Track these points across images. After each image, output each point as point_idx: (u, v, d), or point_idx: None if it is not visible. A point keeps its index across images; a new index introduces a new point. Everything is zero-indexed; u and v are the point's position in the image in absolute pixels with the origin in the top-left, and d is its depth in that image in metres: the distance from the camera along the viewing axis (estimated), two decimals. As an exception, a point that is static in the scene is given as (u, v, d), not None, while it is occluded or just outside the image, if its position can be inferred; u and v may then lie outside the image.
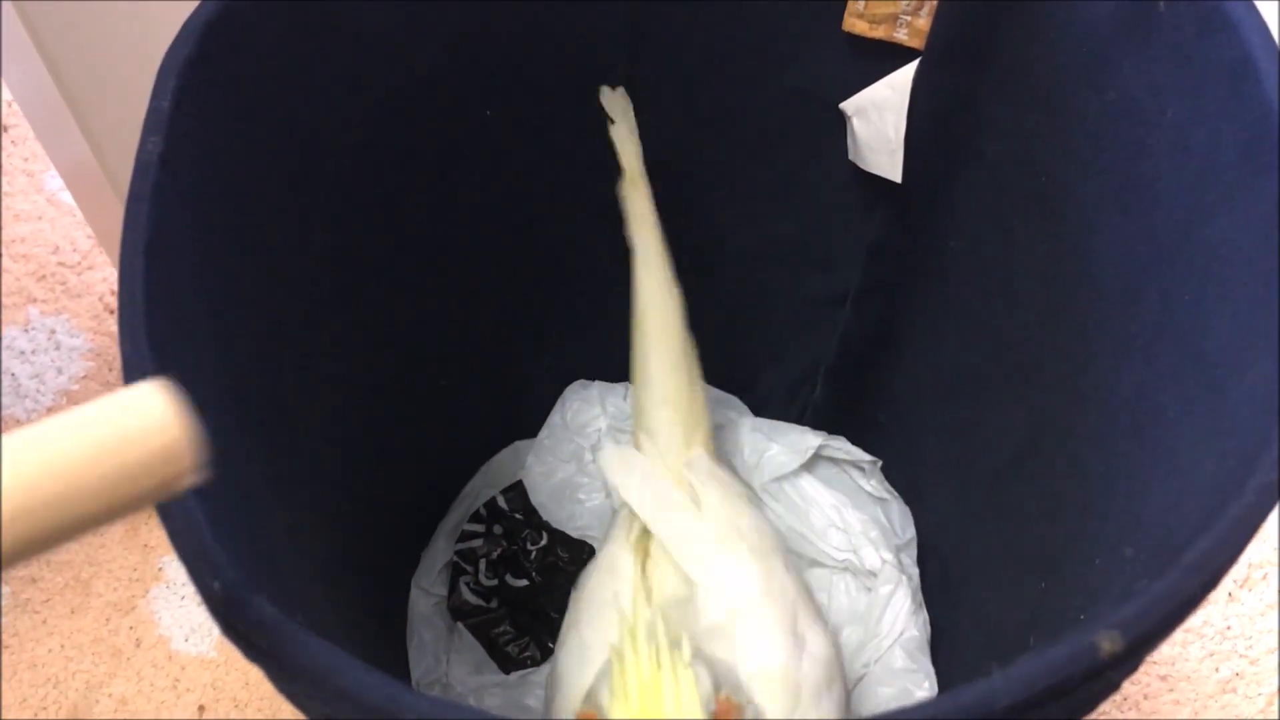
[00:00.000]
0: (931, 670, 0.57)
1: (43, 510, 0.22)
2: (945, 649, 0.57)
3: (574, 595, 0.51)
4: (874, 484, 0.62)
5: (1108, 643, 0.26)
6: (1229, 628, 0.66)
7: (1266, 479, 0.28)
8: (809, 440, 0.62)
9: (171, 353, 0.31)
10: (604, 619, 0.46)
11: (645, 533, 0.49)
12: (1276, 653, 0.65)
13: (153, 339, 0.30)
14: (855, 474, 0.63)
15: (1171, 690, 0.64)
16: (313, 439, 0.47)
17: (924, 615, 0.59)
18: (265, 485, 0.39)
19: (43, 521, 0.23)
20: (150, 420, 0.23)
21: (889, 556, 0.58)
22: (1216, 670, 0.65)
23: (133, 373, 0.29)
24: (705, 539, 0.47)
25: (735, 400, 0.67)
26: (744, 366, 0.65)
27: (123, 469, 0.23)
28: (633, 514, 0.49)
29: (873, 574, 0.58)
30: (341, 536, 0.50)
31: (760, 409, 0.66)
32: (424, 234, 0.52)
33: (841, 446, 0.63)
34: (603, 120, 0.54)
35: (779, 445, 0.62)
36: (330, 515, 0.48)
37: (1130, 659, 0.27)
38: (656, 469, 0.50)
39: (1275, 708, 0.64)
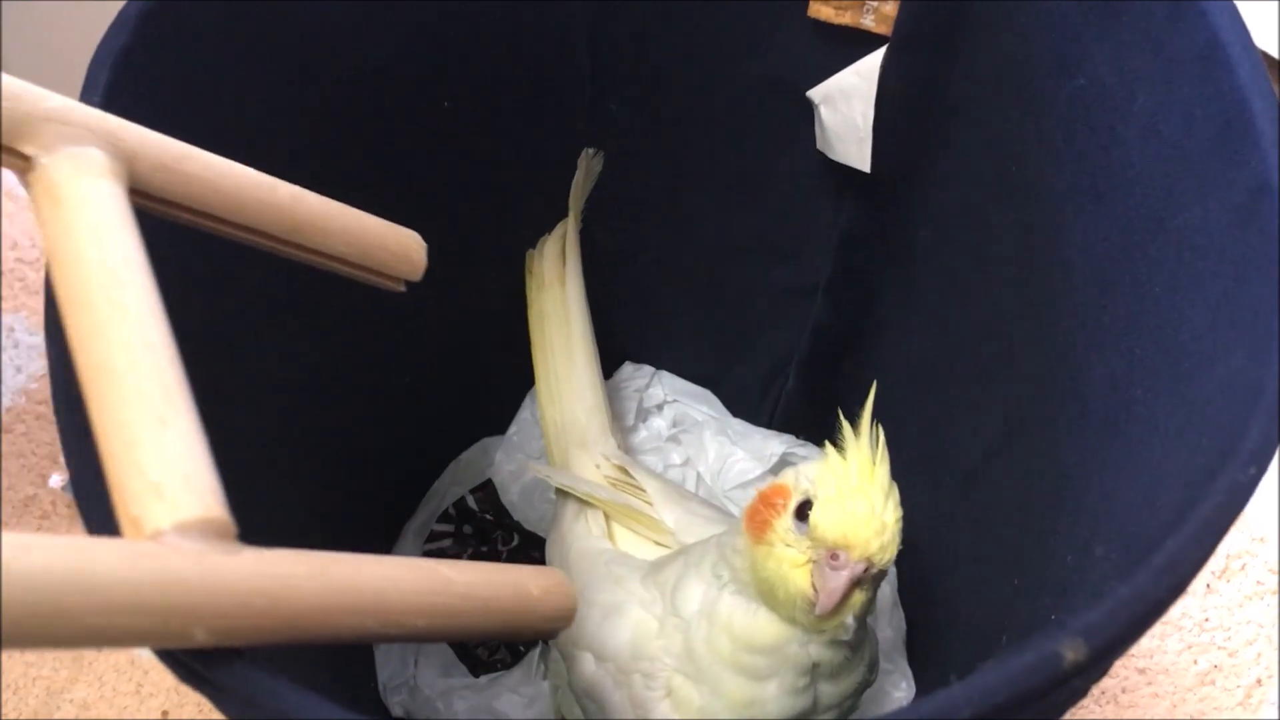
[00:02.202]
0: (908, 670, 0.56)
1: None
2: (921, 647, 0.57)
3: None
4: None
5: (1071, 651, 0.25)
6: (1207, 619, 0.65)
7: (1237, 477, 0.27)
8: (773, 446, 0.61)
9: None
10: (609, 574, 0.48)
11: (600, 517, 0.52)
12: (1255, 644, 0.64)
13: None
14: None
15: (1150, 683, 0.64)
16: (268, 438, 0.46)
17: (900, 613, 0.58)
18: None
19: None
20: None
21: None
22: (1195, 663, 0.64)
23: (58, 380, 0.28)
24: (671, 496, 0.52)
25: (708, 394, 0.66)
26: (715, 360, 0.64)
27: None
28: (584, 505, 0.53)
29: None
30: (301, 537, 0.49)
31: (732, 402, 0.66)
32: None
33: (808, 454, 0.62)
34: (566, 112, 0.53)
35: (743, 451, 0.62)
36: (288, 515, 0.47)
37: (1095, 667, 0.26)
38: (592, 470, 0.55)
39: (1254, 700, 0.63)
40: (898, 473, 0.60)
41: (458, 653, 0.58)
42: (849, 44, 0.47)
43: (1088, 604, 0.30)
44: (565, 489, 0.53)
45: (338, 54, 0.43)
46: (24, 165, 0.27)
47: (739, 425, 0.64)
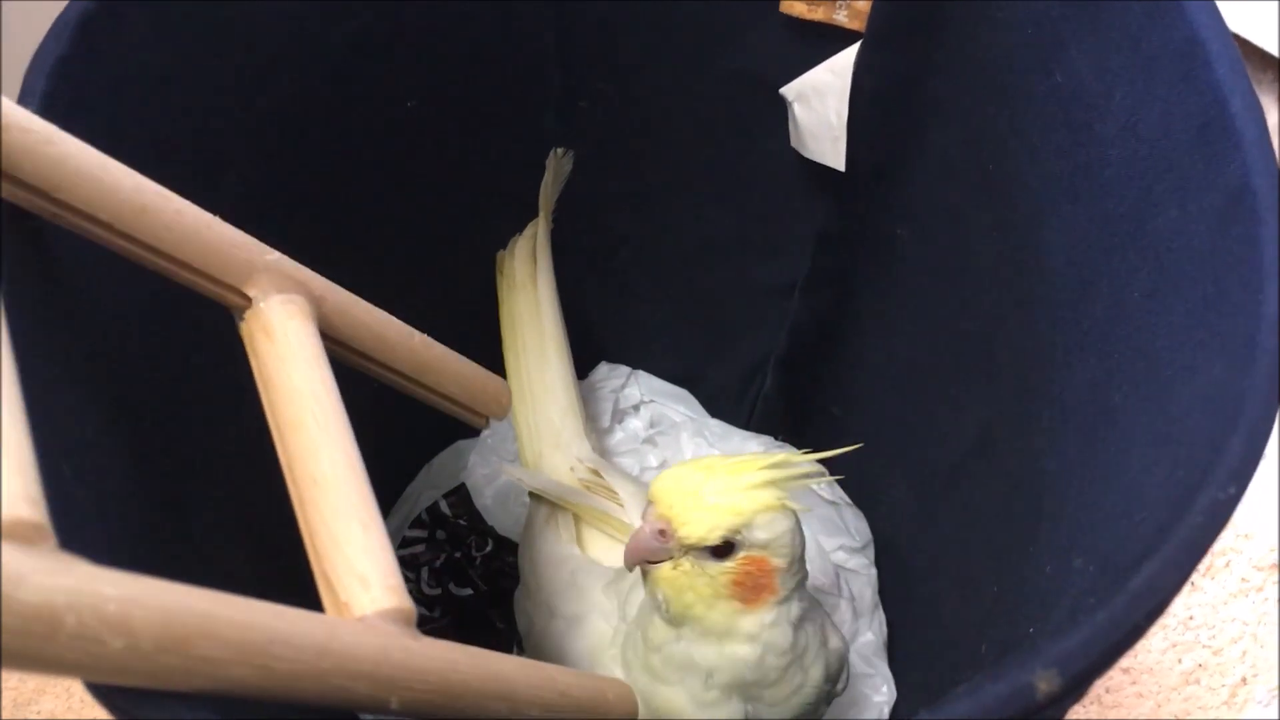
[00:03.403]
0: (889, 674, 0.55)
1: None
2: (902, 651, 0.56)
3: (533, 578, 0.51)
4: (825, 488, 0.60)
5: (1044, 683, 0.24)
6: (1191, 617, 0.64)
7: (1217, 496, 0.26)
8: (751, 448, 0.61)
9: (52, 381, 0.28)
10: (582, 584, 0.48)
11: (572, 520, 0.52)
12: (1240, 642, 0.64)
13: (33, 350, 0.27)
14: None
15: (1134, 682, 0.63)
16: (232, 438, 0.45)
17: (881, 615, 0.57)
18: (173, 490, 0.37)
19: None
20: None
21: (828, 575, 0.56)
22: (1179, 661, 0.63)
23: None
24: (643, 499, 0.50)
25: (686, 394, 0.65)
26: (692, 360, 0.63)
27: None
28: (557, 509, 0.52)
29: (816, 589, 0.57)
30: (268, 544, 0.48)
31: (711, 402, 0.65)
32: (347, 232, 0.50)
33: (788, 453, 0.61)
34: (535, 109, 0.52)
35: (720, 452, 0.61)
36: (254, 521, 0.46)
37: (1069, 697, 0.25)
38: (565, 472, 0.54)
39: (1239, 699, 0.62)
40: (877, 472, 0.59)
41: None
42: (822, 40, 0.46)
43: (1063, 625, 0.29)
44: (537, 492, 0.52)
45: (291, 54, 0.42)
46: (244, 304, 0.33)
47: (717, 426, 0.64)
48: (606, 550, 0.50)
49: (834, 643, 0.44)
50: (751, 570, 0.38)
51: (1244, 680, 0.63)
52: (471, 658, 0.31)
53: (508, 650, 0.57)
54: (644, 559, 0.39)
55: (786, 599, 0.40)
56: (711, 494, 0.38)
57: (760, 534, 0.38)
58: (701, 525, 0.38)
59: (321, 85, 0.44)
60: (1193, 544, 0.26)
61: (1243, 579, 0.65)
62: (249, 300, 0.33)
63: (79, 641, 0.21)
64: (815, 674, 0.42)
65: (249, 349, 0.33)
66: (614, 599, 0.45)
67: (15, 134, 0.27)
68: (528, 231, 0.57)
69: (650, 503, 0.39)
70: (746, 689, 0.41)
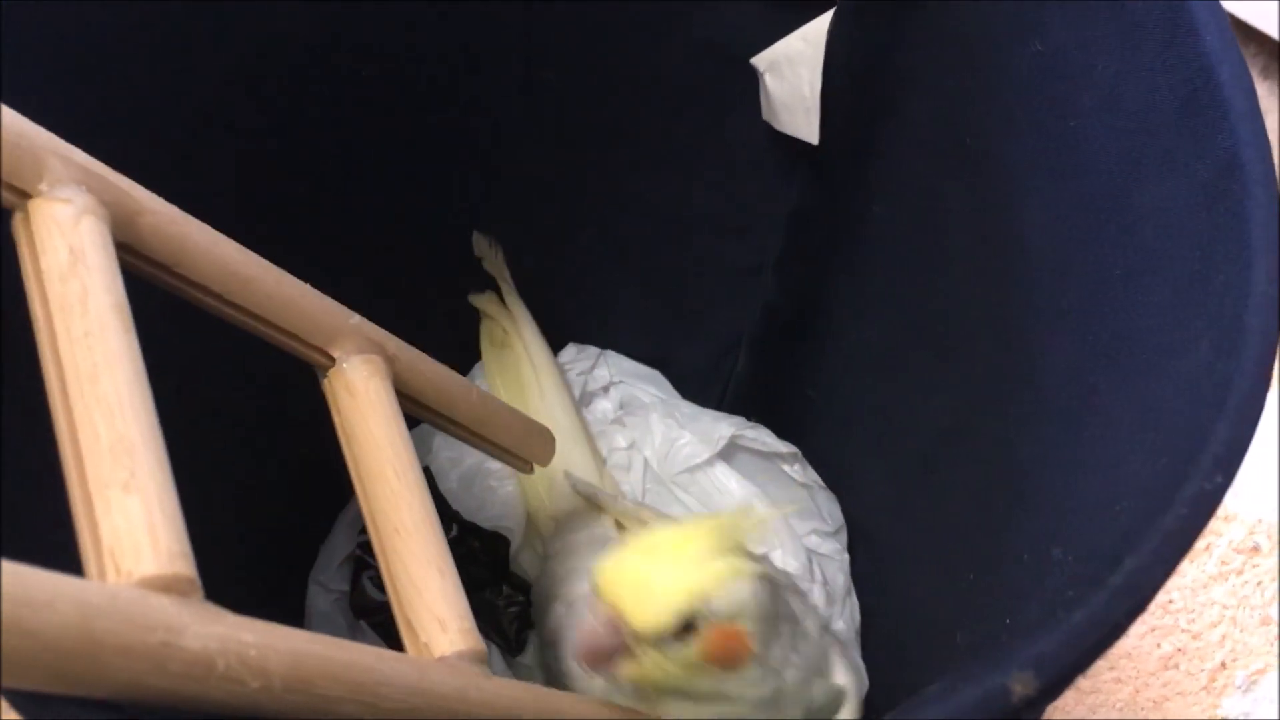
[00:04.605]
0: (860, 664, 0.54)
1: None
2: (875, 638, 0.55)
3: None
4: (798, 470, 0.59)
5: (1020, 685, 0.23)
6: (1170, 601, 0.63)
7: (1202, 486, 0.25)
8: (722, 429, 0.59)
9: None
10: None
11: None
12: (1220, 626, 0.63)
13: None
14: (779, 460, 0.60)
15: (1112, 668, 0.62)
16: (186, 426, 0.43)
17: (854, 602, 0.56)
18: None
19: None
20: None
21: (799, 559, 0.55)
22: (1158, 646, 0.62)
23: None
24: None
25: (657, 375, 0.64)
26: (662, 340, 0.62)
27: None
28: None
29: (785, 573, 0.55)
30: (226, 529, 0.46)
31: (682, 383, 0.63)
32: (297, 206, 0.48)
33: (758, 437, 0.59)
34: (499, 82, 0.50)
35: (691, 434, 0.59)
36: (211, 505, 0.44)
37: (1046, 699, 0.23)
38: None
39: (1218, 683, 0.61)
40: (852, 455, 0.58)
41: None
42: (795, 7, 0.45)
43: (1041, 620, 0.27)
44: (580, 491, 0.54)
45: (234, 23, 0.40)
46: (328, 363, 0.36)
47: (687, 408, 0.62)
48: None
49: (824, 668, 0.43)
50: (720, 643, 0.36)
51: (1223, 665, 0.62)
52: (533, 694, 0.34)
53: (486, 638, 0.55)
54: (600, 658, 0.36)
55: (767, 654, 0.38)
56: (660, 577, 0.35)
57: (720, 605, 0.35)
58: (654, 614, 0.35)
59: (268, 55, 0.42)
60: (1176, 538, 0.24)
61: (1223, 562, 0.64)
62: (333, 360, 0.36)
63: (225, 683, 0.23)
64: (793, 712, 0.40)
65: (331, 404, 0.36)
66: None
67: (148, 216, 0.29)
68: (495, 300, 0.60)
69: (595, 597, 0.36)
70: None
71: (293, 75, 0.44)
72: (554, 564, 0.52)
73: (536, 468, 0.48)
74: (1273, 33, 0.77)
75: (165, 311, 0.38)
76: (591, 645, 0.36)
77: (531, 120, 0.53)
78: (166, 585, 0.23)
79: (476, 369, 0.62)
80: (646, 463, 0.59)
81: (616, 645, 0.35)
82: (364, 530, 0.59)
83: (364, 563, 0.58)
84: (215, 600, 0.24)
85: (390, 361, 0.37)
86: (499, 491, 0.59)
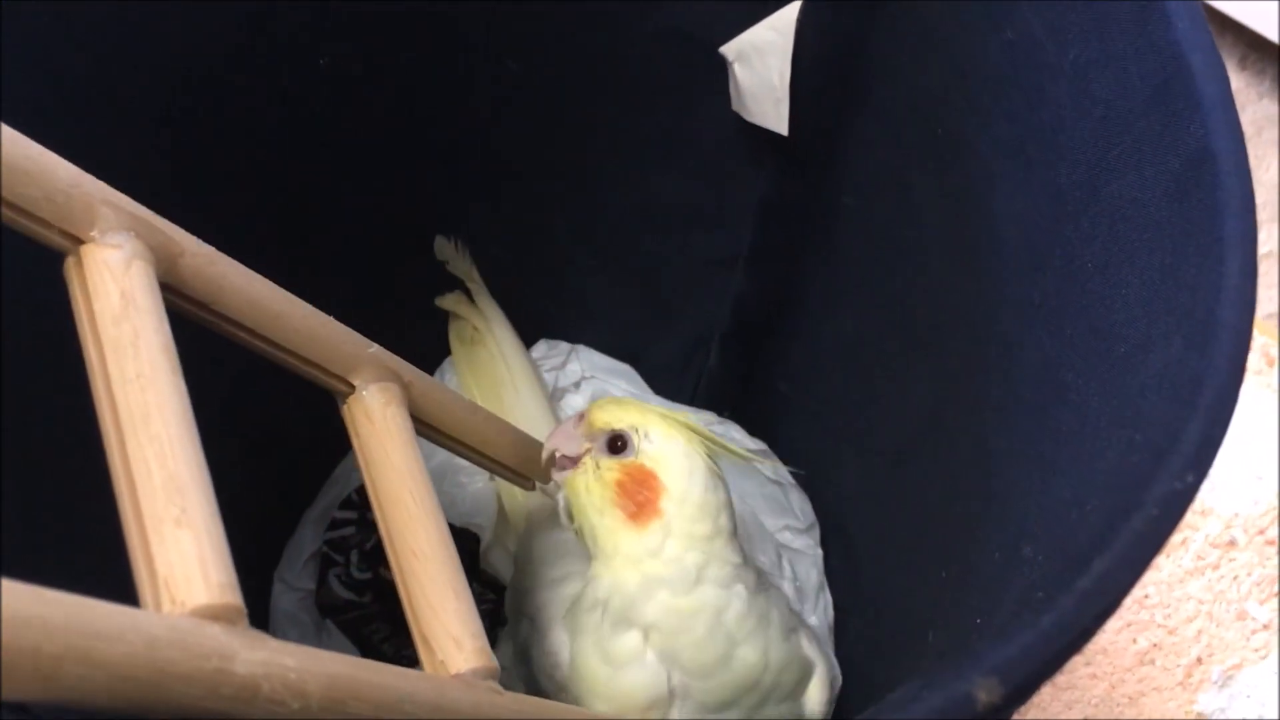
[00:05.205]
0: (834, 660, 0.53)
1: None
2: (849, 635, 0.54)
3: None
4: (769, 468, 0.58)
5: (984, 693, 0.22)
6: (1146, 596, 0.63)
7: (1173, 485, 0.24)
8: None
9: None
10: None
11: None
12: (1195, 621, 0.62)
13: None
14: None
15: (1088, 663, 0.61)
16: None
17: (827, 598, 0.55)
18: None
19: None
20: None
21: (769, 555, 0.54)
22: (1134, 641, 0.62)
23: None
24: None
25: (629, 370, 0.63)
26: (634, 334, 0.61)
27: None
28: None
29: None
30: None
31: (653, 378, 0.63)
32: (262, 198, 0.47)
33: (727, 433, 0.59)
34: (462, 70, 0.49)
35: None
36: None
37: (1012, 706, 0.23)
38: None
39: (1194, 679, 0.61)
40: (825, 450, 0.57)
41: (361, 650, 0.55)
42: (763, -5, 0.44)
43: (1009, 622, 0.27)
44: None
45: (189, 20, 0.39)
46: (348, 390, 0.37)
47: (659, 403, 0.61)
48: None
49: (792, 640, 0.42)
50: (636, 477, 0.40)
51: (1199, 660, 0.61)
52: (542, 709, 0.35)
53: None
54: (558, 444, 0.42)
55: (680, 538, 0.39)
56: (629, 400, 0.42)
57: (650, 445, 0.40)
58: (607, 413, 0.41)
59: (227, 37, 0.41)
60: (1147, 539, 0.24)
61: (1199, 556, 0.64)
62: (352, 387, 0.37)
63: (269, 704, 0.24)
64: (748, 654, 0.40)
65: (351, 429, 0.37)
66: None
67: (189, 258, 0.31)
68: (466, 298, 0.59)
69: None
70: (656, 640, 0.40)
71: (254, 71, 0.43)
72: (520, 576, 0.51)
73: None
74: (1249, 23, 0.77)
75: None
76: (558, 430, 0.43)
77: (499, 113, 0.52)
78: (216, 614, 0.24)
79: (446, 364, 0.61)
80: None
81: (573, 436, 0.42)
82: (331, 527, 0.58)
83: (331, 560, 0.57)
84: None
85: (406, 389, 0.38)
86: (469, 488, 0.58)
